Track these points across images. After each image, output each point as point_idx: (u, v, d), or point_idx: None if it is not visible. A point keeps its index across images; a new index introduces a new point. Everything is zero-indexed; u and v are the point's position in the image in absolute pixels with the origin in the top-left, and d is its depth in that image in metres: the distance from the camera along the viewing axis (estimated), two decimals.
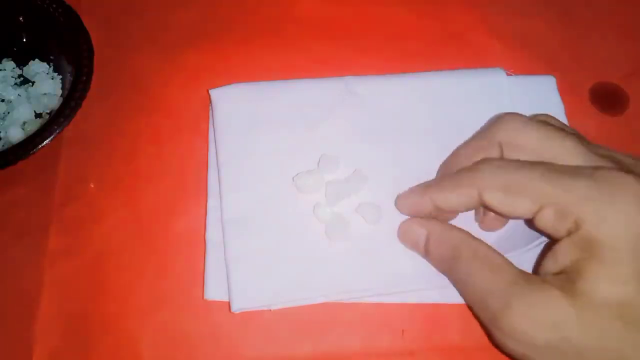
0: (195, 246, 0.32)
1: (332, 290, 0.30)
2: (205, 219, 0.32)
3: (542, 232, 0.26)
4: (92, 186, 0.34)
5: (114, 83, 0.37)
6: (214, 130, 0.34)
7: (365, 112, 0.34)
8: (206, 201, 0.32)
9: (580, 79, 0.38)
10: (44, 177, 0.34)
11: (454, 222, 0.31)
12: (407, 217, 0.31)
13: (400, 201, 0.31)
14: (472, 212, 0.32)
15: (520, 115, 0.28)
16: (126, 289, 0.31)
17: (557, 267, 0.24)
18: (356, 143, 0.34)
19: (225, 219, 0.31)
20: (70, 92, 0.33)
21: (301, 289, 0.29)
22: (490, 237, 0.30)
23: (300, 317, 0.30)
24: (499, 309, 0.24)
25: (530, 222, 0.26)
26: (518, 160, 0.26)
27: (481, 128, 0.30)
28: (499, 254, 0.26)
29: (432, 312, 0.30)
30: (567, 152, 0.26)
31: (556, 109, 0.35)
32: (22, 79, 0.37)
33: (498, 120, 0.28)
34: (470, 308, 0.27)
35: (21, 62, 0.37)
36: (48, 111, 0.36)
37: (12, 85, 0.36)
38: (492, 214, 0.30)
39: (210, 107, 0.35)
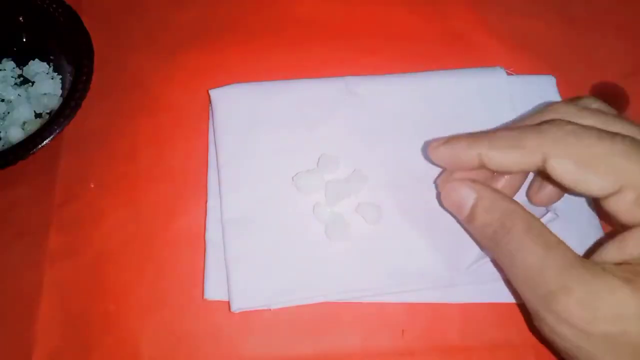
0: (195, 246, 0.32)
1: (332, 290, 0.30)
2: (205, 219, 0.32)
3: (608, 214, 0.24)
4: (92, 186, 0.34)
5: (114, 83, 0.37)
6: (214, 131, 0.34)
7: (365, 112, 0.34)
8: (206, 201, 0.32)
9: (581, 78, 0.38)
10: (44, 177, 0.34)
11: None
12: (408, 216, 0.31)
13: (438, 148, 0.28)
14: None
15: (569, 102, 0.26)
16: (126, 289, 0.31)
17: (621, 257, 0.23)
18: (356, 143, 0.34)
19: (225, 218, 0.31)
20: (70, 92, 0.33)
21: (301, 289, 0.29)
22: None
23: (300, 317, 0.30)
24: (554, 291, 0.22)
25: (595, 202, 0.24)
26: (594, 128, 0.23)
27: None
28: (554, 233, 0.24)
29: (432, 312, 0.30)
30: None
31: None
32: (22, 79, 0.37)
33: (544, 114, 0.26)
34: (515, 286, 0.25)
35: (21, 62, 0.37)
36: (48, 111, 0.36)
37: (12, 85, 0.36)
38: (550, 186, 0.28)
39: (210, 107, 0.35)
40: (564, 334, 0.22)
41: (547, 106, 0.27)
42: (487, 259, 0.30)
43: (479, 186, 0.27)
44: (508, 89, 0.35)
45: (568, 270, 0.22)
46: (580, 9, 0.41)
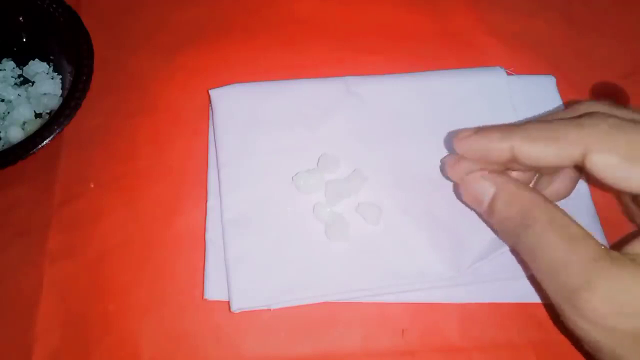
0: (195, 246, 0.32)
1: (332, 290, 0.30)
2: (205, 219, 0.32)
3: None
4: (92, 186, 0.34)
5: (114, 83, 0.37)
6: (214, 130, 0.34)
7: (365, 111, 0.34)
8: (206, 201, 0.32)
9: (581, 78, 0.38)
10: (44, 177, 0.34)
11: None
12: (408, 216, 0.31)
13: (466, 139, 0.27)
14: None
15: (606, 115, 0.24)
16: (126, 288, 0.31)
17: None
18: (356, 143, 0.34)
19: (225, 219, 0.31)
20: (70, 92, 0.33)
21: (301, 289, 0.29)
22: (490, 230, 0.30)
23: (300, 317, 0.30)
24: (578, 287, 0.21)
25: (635, 198, 0.23)
26: (637, 121, 0.23)
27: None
28: (578, 224, 0.23)
29: (432, 312, 0.30)
30: None
31: (556, 109, 0.35)
32: (22, 79, 0.37)
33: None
34: (538, 280, 0.24)
35: (21, 62, 0.37)
36: (48, 111, 0.36)
37: (12, 85, 0.36)
38: (557, 183, 0.28)
39: (210, 107, 0.35)
40: (588, 330, 0.22)
41: (578, 103, 0.26)
42: (487, 259, 0.30)
43: (498, 178, 0.26)
44: (508, 89, 0.35)
45: (593, 264, 0.21)
46: (580, 9, 0.41)
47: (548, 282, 0.23)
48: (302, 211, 0.32)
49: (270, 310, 0.29)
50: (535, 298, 0.30)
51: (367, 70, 0.36)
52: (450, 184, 0.32)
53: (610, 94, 0.38)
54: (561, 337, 0.29)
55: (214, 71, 0.37)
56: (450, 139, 0.29)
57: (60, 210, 0.33)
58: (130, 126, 0.36)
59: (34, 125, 0.35)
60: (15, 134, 0.34)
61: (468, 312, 0.30)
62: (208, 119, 0.35)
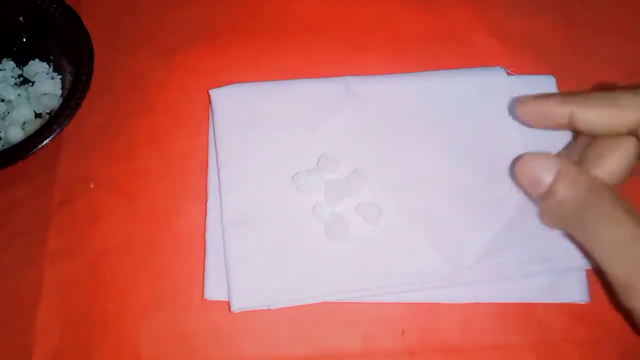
0: (195, 246, 0.32)
1: (332, 290, 0.30)
2: (205, 219, 0.32)
3: None
4: (92, 186, 0.34)
5: (114, 83, 0.37)
6: (214, 130, 0.34)
7: (365, 111, 0.34)
8: (206, 201, 0.32)
9: (581, 79, 0.38)
10: (44, 177, 0.34)
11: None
12: (408, 216, 0.31)
13: (528, 103, 0.29)
14: None
15: None
16: (126, 289, 0.31)
17: None
18: (356, 143, 0.33)
19: (225, 219, 0.31)
20: (70, 92, 0.33)
21: (301, 289, 0.29)
22: (490, 230, 0.30)
23: (300, 317, 0.30)
24: None
25: None
26: None
27: None
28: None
29: (432, 312, 0.30)
30: None
31: None
32: (22, 79, 0.37)
33: None
34: (600, 259, 0.24)
35: (21, 62, 0.37)
36: (48, 111, 0.36)
37: (12, 85, 0.36)
38: (617, 161, 0.28)
39: (210, 107, 0.35)
40: None
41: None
42: (487, 259, 0.30)
43: (560, 159, 0.26)
44: (508, 89, 0.35)
45: None
46: (580, 9, 0.41)
47: (614, 259, 0.23)
48: (302, 211, 0.32)
49: (270, 310, 0.29)
50: (535, 298, 0.30)
51: (367, 70, 0.36)
52: (451, 186, 0.32)
53: None
54: (561, 337, 0.29)
55: (214, 71, 0.37)
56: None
57: (60, 210, 0.33)
58: (130, 126, 0.36)
59: (34, 125, 0.35)
60: (15, 134, 0.34)
61: (468, 312, 0.30)
62: (208, 118, 0.35)
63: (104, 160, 0.34)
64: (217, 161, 0.33)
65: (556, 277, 0.30)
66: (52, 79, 0.36)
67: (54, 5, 0.36)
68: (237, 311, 0.29)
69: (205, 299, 0.30)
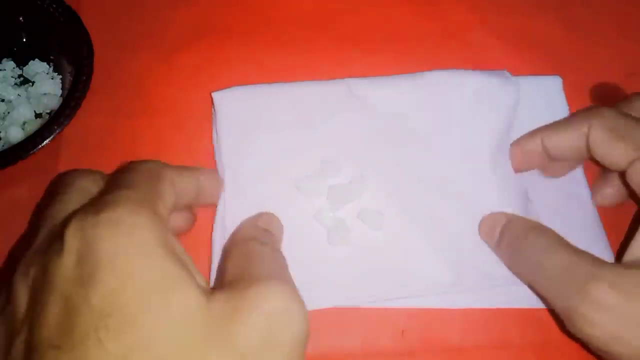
0: (196, 246, 0.31)
1: (333, 296, 0.29)
2: (207, 220, 0.32)
3: (631, 191, 0.27)
4: None
5: (114, 83, 0.37)
6: (217, 133, 0.34)
7: (368, 114, 0.34)
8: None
9: (581, 79, 0.38)
10: (44, 177, 0.34)
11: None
12: (411, 222, 0.31)
13: (513, 146, 0.32)
14: None
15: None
16: None
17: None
18: (359, 146, 0.33)
19: (228, 222, 0.31)
20: (70, 92, 0.33)
21: (301, 293, 0.29)
22: None
23: None
24: (586, 281, 0.23)
25: (622, 177, 0.27)
26: (630, 115, 0.28)
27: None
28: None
29: (433, 313, 0.30)
30: None
31: (560, 110, 0.35)
32: (22, 79, 0.37)
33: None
34: (542, 288, 0.26)
35: (21, 62, 0.37)
36: (48, 111, 0.36)
37: (12, 85, 0.36)
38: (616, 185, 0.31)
39: (212, 110, 0.35)
40: (601, 322, 0.23)
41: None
42: (490, 266, 0.30)
43: (506, 215, 0.30)
44: (513, 90, 0.34)
45: (599, 265, 0.24)
46: (580, 9, 0.41)
47: (555, 286, 0.25)
48: (304, 215, 0.31)
49: None
50: (538, 304, 0.30)
51: (368, 71, 0.36)
52: (455, 190, 0.32)
53: (611, 94, 0.38)
54: (561, 338, 0.29)
55: (215, 71, 0.37)
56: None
57: None
58: (130, 126, 0.35)
59: (34, 125, 0.35)
60: (15, 134, 0.34)
61: (468, 313, 0.30)
62: (208, 119, 0.35)
63: (104, 161, 0.34)
64: (219, 164, 0.33)
65: None
66: (52, 79, 0.36)
67: (54, 5, 0.36)
68: None
69: None
